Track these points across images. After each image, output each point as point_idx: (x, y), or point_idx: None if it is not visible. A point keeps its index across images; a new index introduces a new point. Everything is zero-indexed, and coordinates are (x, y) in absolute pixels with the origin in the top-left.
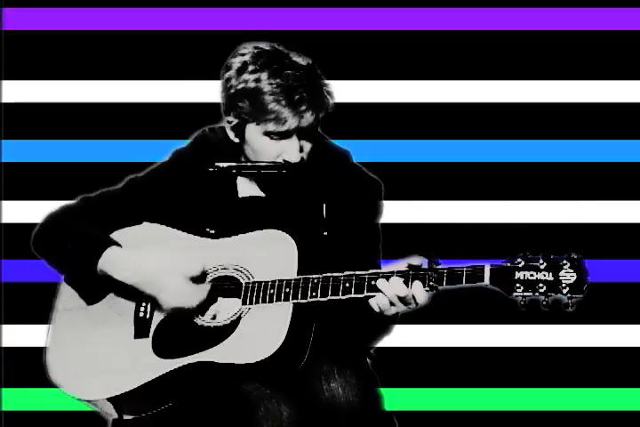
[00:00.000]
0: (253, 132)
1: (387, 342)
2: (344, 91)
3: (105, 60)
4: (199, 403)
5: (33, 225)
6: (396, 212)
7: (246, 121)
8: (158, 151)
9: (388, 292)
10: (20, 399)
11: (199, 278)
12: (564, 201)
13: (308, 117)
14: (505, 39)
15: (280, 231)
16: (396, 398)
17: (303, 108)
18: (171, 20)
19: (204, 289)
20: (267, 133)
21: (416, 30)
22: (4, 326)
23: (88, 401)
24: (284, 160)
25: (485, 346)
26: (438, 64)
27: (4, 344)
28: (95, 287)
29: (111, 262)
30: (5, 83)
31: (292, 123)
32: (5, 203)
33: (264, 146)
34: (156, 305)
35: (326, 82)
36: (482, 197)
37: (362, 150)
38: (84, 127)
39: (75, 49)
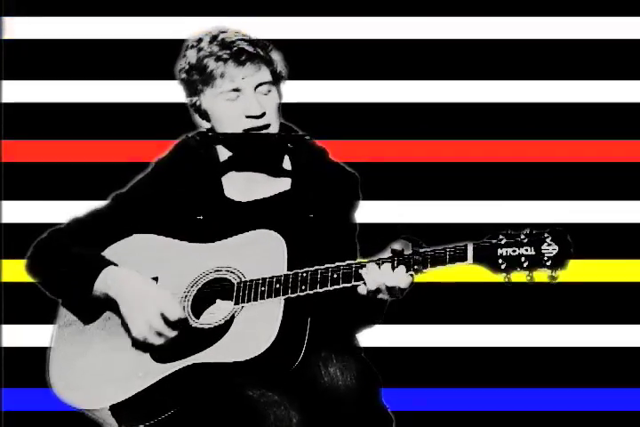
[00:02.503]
0: (210, 100)
1: (386, 342)
2: (329, 91)
3: (104, 60)
4: (203, 410)
5: (33, 225)
6: (384, 212)
7: (202, 92)
8: (157, 151)
9: (374, 278)
10: (20, 399)
11: (174, 323)
12: (564, 201)
13: (253, 68)
14: (504, 41)
15: (268, 230)
16: (395, 398)
17: (243, 57)
18: (169, 26)
19: (168, 332)
20: (221, 96)
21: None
22: (4, 326)
23: (90, 411)
24: (251, 128)
25: (485, 346)
26: (437, 64)
27: (4, 344)
28: (92, 308)
29: (107, 282)
30: (5, 83)
31: (237, 74)
32: (5, 203)
33: (225, 110)
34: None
35: (264, 40)
36: (480, 197)
37: (343, 150)
38: (84, 127)
39: (74, 49)
